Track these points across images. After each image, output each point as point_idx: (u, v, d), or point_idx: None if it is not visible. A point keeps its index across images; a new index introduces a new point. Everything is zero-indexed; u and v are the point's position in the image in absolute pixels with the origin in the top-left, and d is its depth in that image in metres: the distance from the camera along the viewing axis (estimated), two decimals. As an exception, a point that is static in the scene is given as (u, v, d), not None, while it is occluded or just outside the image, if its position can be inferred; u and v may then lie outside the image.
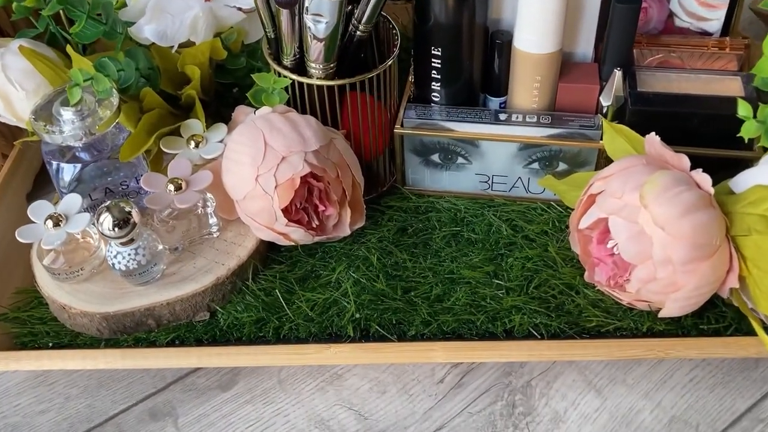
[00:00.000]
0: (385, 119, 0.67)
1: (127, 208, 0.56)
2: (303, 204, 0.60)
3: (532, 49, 0.62)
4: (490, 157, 0.67)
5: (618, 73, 0.62)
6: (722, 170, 0.59)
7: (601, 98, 0.64)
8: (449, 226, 0.67)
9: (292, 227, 0.59)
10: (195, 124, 0.64)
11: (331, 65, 0.61)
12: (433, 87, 0.67)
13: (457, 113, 0.66)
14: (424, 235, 0.67)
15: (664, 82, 0.65)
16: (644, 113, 0.63)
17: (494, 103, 0.69)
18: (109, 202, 0.56)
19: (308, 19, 0.57)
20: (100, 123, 0.58)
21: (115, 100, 0.59)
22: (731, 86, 0.63)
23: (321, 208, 0.61)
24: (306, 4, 0.56)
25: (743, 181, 0.56)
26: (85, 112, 0.59)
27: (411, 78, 0.69)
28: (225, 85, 0.69)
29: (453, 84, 0.66)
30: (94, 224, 0.58)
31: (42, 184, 0.74)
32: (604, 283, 0.59)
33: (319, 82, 0.61)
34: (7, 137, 0.72)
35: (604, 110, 0.65)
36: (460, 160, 0.68)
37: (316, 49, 0.59)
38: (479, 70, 0.66)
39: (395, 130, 0.66)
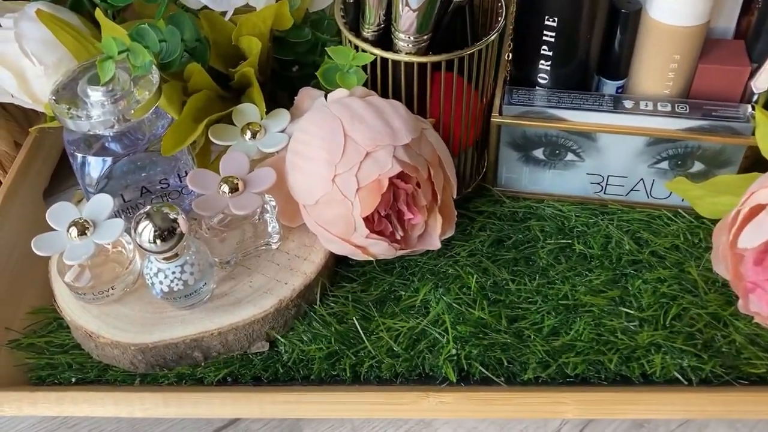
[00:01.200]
0: (480, 105, 0.54)
1: (172, 215, 0.44)
2: (386, 211, 0.48)
3: (672, 20, 0.50)
4: (609, 153, 0.55)
5: (779, 53, 0.50)
6: None
7: (752, 84, 0.52)
8: (555, 238, 0.55)
9: (374, 239, 0.48)
10: (251, 110, 0.52)
11: (425, 37, 0.48)
12: (540, 66, 0.54)
13: (571, 99, 0.54)
14: (525, 248, 0.55)
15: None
16: (811, 102, 0.50)
17: (610, 87, 0.57)
18: (148, 207, 0.44)
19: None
20: (136, 107, 0.46)
21: (155, 78, 0.47)
22: None
23: (408, 216, 0.49)
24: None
25: None
26: (118, 93, 0.47)
27: (508, 56, 0.57)
28: (282, 63, 0.57)
29: (567, 63, 0.54)
30: (128, 233, 0.47)
31: (62, 178, 0.63)
32: (764, 314, 0.46)
33: (409, 59, 0.49)
34: (21, 122, 0.61)
35: (755, 98, 0.52)
36: (570, 156, 0.56)
37: (408, 17, 0.47)
38: (597, 47, 0.54)
39: (492, 119, 0.54)
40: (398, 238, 0.49)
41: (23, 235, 0.55)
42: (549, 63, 0.54)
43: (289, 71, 0.58)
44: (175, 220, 0.44)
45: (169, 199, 0.52)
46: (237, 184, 0.47)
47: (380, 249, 0.49)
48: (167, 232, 0.44)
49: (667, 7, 0.50)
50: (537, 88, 0.56)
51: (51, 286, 0.51)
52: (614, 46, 0.54)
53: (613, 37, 0.54)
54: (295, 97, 0.54)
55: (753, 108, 0.52)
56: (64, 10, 0.53)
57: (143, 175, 0.50)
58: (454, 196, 0.52)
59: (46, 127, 0.55)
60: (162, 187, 0.51)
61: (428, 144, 0.49)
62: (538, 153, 0.56)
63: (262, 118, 0.52)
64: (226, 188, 0.47)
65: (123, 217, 0.51)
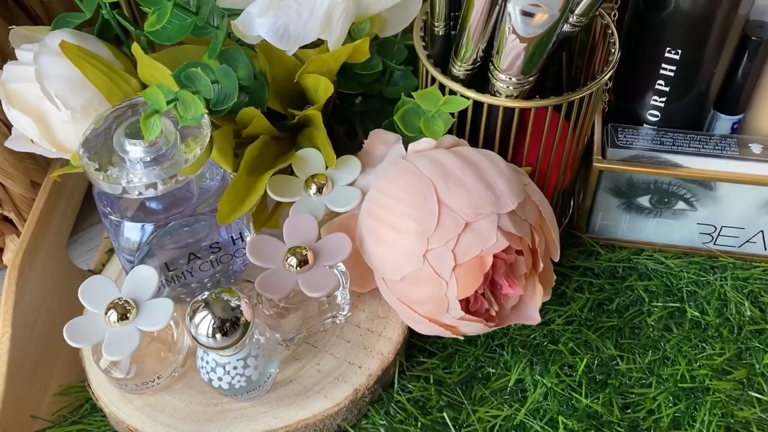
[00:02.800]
0: (577, 146, 0.46)
1: (234, 302, 0.37)
2: (484, 288, 0.40)
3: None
4: (727, 203, 0.47)
5: None
6: None
7: None
8: (663, 300, 0.48)
9: (467, 320, 0.40)
10: (315, 158, 0.44)
11: (530, 78, 0.40)
12: (653, 102, 0.46)
13: (688, 141, 0.46)
14: (630, 313, 0.47)
15: None
16: None
17: (725, 121, 0.49)
18: (206, 294, 0.37)
19: (514, 7, 0.36)
20: (185, 165, 0.38)
21: (206, 130, 0.39)
22: None
23: (505, 290, 0.41)
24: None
25: None
26: (163, 149, 0.39)
27: (608, 85, 0.49)
28: (343, 94, 0.49)
29: (684, 98, 0.46)
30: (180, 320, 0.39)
31: (85, 213, 0.55)
32: None
33: (511, 103, 0.41)
34: (38, 159, 0.53)
35: None
36: (681, 205, 0.48)
37: (513, 54, 0.39)
38: (720, 79, 0.46)
39: (595, 164, 0.46)
40: (493, 314, 0.42)
41: (47, 298, 0.48)
42: (664, 99, 0.46)
43: (352, 103, 0.49)
44: (237, 308, 0.37)
45: (220, 263, 0.44)
46: (306, 255, 0.39)
47: (474, 329, 0.41)
48: (229, 324, 0.36)
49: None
50: (645, 125, 0.48)
51: (83, 365, 0.44)
52: (737, 77, 0.46)
53: (737, 66, 0.46)
54: (365, 141, 0.45)
55: None
56: (90, 38, 0.44)
57: (190, 240, 0.43)
58: (556, 260, 0.44)
59: (68, 173, 0.47)
60: (214, 253, 0.43)
61: (532, 205, 0.41)
62: (644, 201, 0.48)
63: (327, 168, 0.44)
64: (293, 261, 0.39)
65: (167, 287, 0.43)
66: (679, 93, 0.45)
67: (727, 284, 0.48)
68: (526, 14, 0.36)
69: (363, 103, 0.49)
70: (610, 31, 0.44)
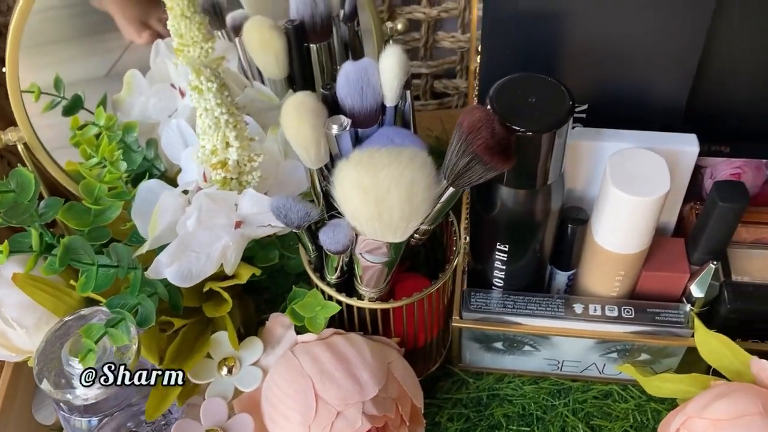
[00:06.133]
0: (441, 306, 0.58)
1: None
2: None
3: (615, 248, 0.53)
4: (563, 348, 0.59)
5: (713, 267, 0.54)
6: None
7: (691, 288, 0.56)
8: (517, 424, 0.60)
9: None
10: (225, 341, 0.55)
11: (385, 287, 0.52)
12: (495, 275, 0.58)
13: (525, 304, 0.58)
14: (491, 439, 0.59)
15: (760, 263, 0.56)
16: (743, 311, 0.54)
17: (562, 277, 0.60)
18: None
19: (363, 258, 0.48)
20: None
21: (135, 340, 0.50)
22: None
23: (381, 448, 0.53)
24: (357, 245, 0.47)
25: None
26: (101, 359, 0.50)
27: (466, 248, 0.60)
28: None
29: (519, 273, 0.57)
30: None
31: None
32: None
33: (372, 305, 0.52)
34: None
35: (693, 299, 0.56)
36: (527, 348, 0.60)
37: (368, 275, 0.50)
38: (550, 246, 0.57)
39: (453, 324, 0.58)
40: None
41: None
42: (503, 274, 0.57)
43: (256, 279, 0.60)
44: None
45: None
46: (219, 436, 0.51)
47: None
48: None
49: (607, 239, 0.53)
50: (493, 289, 0.59)
51: None
52: (564, 246, 0.58)
53: (563, 239, 0.57)
54: (267, 323, 0.57)
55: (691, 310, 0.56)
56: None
57: (129, 424, 0.53)
58: (421, 408, 0.56)
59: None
60: (149, 424, 0.54)
61: (395, 382, 0.52)
62: (498, 345, 0.60)
63: (236, 350, 0.55)
64: (209, 442, 0.51)
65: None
66: (513, 273, 0.57)
67: (568, 408, 0.60)
68: (368, 252, 0.48)
69: (269, 280, 0.60)
70: (453, 228, 0.55)
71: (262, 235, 0.51)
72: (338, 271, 0.51)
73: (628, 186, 0.49)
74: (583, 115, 0.59)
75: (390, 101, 0.50)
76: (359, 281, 0.51)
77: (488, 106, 0.48)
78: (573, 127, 0.53)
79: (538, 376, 0.62)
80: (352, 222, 0.44)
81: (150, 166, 0.61)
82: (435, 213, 0.49)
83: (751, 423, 0.47)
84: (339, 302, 0.52)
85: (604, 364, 0.60)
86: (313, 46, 0.59)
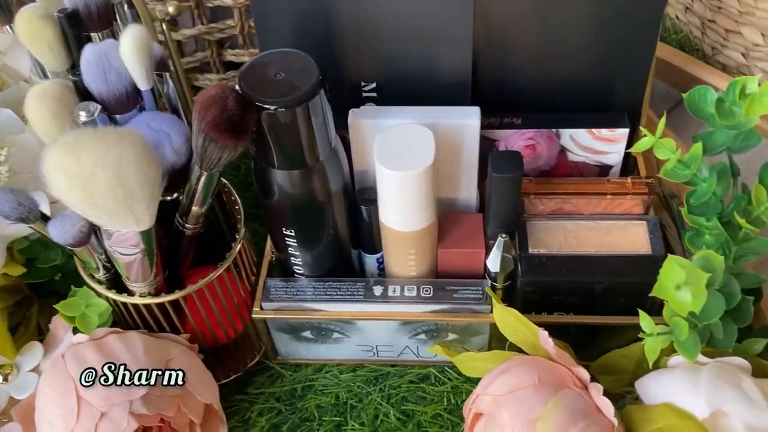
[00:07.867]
0: (243, 295, 0.56)
1: None
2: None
3: (398, 226, 0.52)
4: (370, 331, 0.57)
5: (503, 240, 0.53)
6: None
7: (488, 263, 0.54)
8: (331, 416, 0.58)
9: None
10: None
11: (155, 279, 0.49)
12: (293, 262, 0.56)
13: (325, 290, 0.56)
14: (302, 430, 0.57)
15: (559, 234, 0.55)
16: (537, 283, 0.53)
17: (371, 260, 0.59)
18: None
19: (116, 252, 0.45)
20: None
21: None
22: (636, 235, 0.54)
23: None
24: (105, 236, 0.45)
25: (653, 389, 0.47)
26: None
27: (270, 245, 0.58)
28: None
29: (317, 258, 0.56)
30: None
31: None
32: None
33: (144, 301, 0.50)
34: None
35: (493, 274, 0.55)
36: (337, 335, 0.58)
37: (134, 271, 0.48)
38: (346, 229, 0.56)
39: (253, 315, 0.56)
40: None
41: None
42: (299, 260, 0.55)
43: (53, 279, 0.58)
44: None
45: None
46: (-16, 448, 0.48)
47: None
48: None
49: (390, 217, 0.52)
50: (296, 277, 0.57)
51: None
52: (363, 230, 0.56)
53: (361, 222, 0.56)
54: (50, 326, 0.54)
55: (492, 286, 0.55)
56: None
57: None
58: (216, 406, 0.53)
59: None
60: None
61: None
62: (307, 334, 0.58)
63: (13, 356, 0.52)
64: (-27, 455, 0.48)
65: None
66: (307, 259, 0.55)
67: (383, 394, 0.59)
68: (118, 245, 0.45)
69: (63, 279, 0.58)
70: (237, 208, 0.53)
71: (20, 234, 0.49)
72: (100, 267, 0.48)
73: (392, 162, 0.48)
74: (374, 95, 0.57)
75: (143, 84, 0.47)
76: (125, 277, 0.49)
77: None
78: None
79: (356, 363, 0.61)
80: (76, 211, 0.42)
81: None
82: (200, 197, 0.47)
83: (523, 396, 0.46)
84: (108, 300, 0.50)
85: (417, 347, 0.59)
86: (94, 35, 0.56)
